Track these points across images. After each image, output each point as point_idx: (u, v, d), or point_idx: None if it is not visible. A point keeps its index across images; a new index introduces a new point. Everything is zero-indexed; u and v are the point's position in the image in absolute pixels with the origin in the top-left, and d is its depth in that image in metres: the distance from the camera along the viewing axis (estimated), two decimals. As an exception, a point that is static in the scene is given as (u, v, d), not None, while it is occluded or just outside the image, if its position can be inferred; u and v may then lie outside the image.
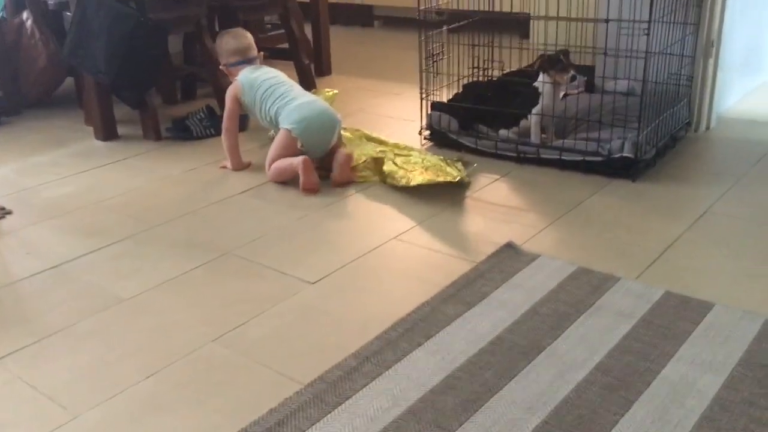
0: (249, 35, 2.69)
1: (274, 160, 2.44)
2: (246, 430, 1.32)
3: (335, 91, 3.01)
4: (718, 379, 1.40)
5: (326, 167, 2.45)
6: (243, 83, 2.57)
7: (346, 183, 2.41)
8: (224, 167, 2.60)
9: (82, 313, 1.72)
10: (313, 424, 1.32)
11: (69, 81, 3.47)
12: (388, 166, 2.41)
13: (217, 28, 3.56)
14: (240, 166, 2.59)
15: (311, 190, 2.34)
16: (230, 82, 2.63)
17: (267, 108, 2.51)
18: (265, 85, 2.54)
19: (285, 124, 2.44)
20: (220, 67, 2.70)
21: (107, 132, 2.97)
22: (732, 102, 3.04)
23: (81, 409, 1.40)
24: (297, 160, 2.36)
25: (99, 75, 2.84)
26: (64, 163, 2.73)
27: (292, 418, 1.34)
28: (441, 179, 2.29)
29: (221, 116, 3.03)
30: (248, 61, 2.63)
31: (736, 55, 2.91)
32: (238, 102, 2.58)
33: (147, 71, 2.89)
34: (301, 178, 2.34)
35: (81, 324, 1.68)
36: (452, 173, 2.35)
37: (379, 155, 2.49)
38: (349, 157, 2.43)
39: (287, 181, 2.42)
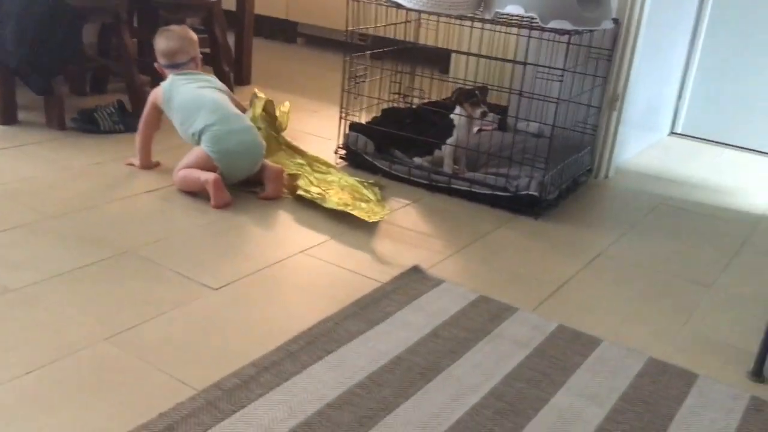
0: (186, 37, 2.51)
1: (184, 168, 2.34)
2: (133, 433, 1.26)
3: (269, 99, 2.73)
4: (602, 411, 1.47)
5: (255, 181, 2.40)
6: (164, 91, 2.44)
7: (278, 198, 2.37)
8: (131, 164, 2.52)
9: (-38, 300, 1.61)
10: (204, 431, 1.28)
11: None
12: (303, 182, 2.40)
13: (135, 24, 3.47)
14: (148, 165, 2.51)
15: (223, 207, 2.26)
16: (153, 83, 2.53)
17: (189, 124, 2.37)
18: (188, 98, 2.39)
19: (207, 148, 2.31)
20: (155, 65, 2.54)
21: (7, 116, 2.81)
22: (630, 155, 3.23)
23: (-49, 401, 1.30)
24: (207, 177, 2.24)
25: (5, 56, 2.69)
26: (-45, 143, 2.56)
27: (182, 424, 1.30)
28: (355, 213, 2.23)
29: (132, 113, 2.95)
30: (175, 66, 2.48)
31: (637, 111, 3.11)
32: (157, 109, 2.46)
33: (57, 57, 2.76)
34: (213, 197, 2.24)
35: (-41, 312, 1.57)
36: (368, 196, 2.37)
37: (295, 171, 2.48)
38: (281, 171, 2.40)
39: (193, 192, 2.33)
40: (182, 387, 1.41)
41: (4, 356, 1.44)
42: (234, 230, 2.12)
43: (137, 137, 2.50)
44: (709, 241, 2.42)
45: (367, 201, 2.36)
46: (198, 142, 2.35)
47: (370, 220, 2.22)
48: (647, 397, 1.53)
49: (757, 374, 1.65)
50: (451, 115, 2.62)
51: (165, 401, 1.35)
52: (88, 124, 2.82)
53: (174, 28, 2.56)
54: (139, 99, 3.02)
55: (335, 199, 2.31)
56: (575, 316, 1.84)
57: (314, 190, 2.36)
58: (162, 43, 2.51)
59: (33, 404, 1.32)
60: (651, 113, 3.37)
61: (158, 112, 2.48)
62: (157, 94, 2.46)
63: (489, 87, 2.72)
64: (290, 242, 2.08)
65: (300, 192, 2.35)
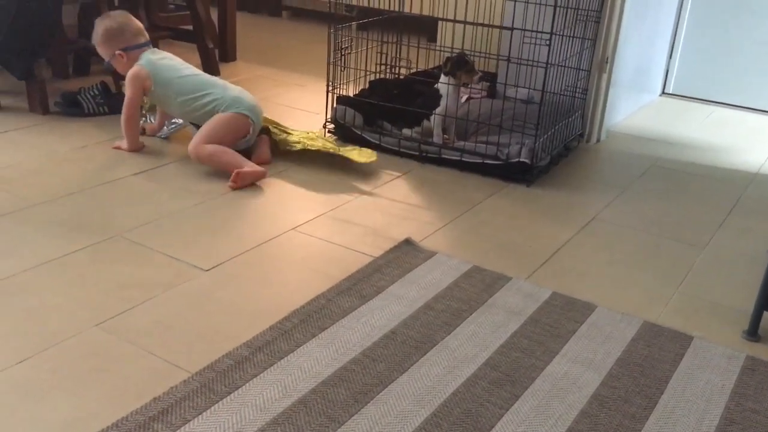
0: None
1: (212, 141, 2.32)
2: (126, 419, 1.26)
3: None
4: (597, 377, 1.47)
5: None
6: (150, 70, 2.41)
7: (268, 161, 2.44)
8: (118, 147, 2.48)
9: (-50, 292, 1.60)
10: (199, 414, 1.28)
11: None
12: (280, 137, 2.52)
13: (116, 3, 3.40)
14: (137, 147, 2.48)
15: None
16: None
17: (199, 98, 2.38)
18: (185, 73, 2.44)
19: (236, 110, 2.38)
20: (117, 52, 2.44)
21: (-12, 102, 2.77)
22: (621, 117, 3.21)
23: (-58, 394, 1.29)
24: (257, 171, 2.27)
25: (-18, 40, 2.65)
26: (-63, 132, 2.52)
27: (177, 407, 1.29)
28: (345, 154, 2.41)
29: (116, 94, 2.91)
30: (143, 45, 2.47)
31: (627, 73, 3.08)
32: (142, 90, 2.43)
33: (37, 40, 2.71)
34: (247, 178, 2.26)
35: (-53, 304, 1.55)
36: (354, 156, 2.45)
37: (279, 136, 2.56)
38: (265, 137, 2.53)
39: (212, 167, 2.33)
40: (176, 370, 1.40)
41: (-5, 346, 1.43)
42: (223, 210, 2.10)
43: (123, 121, 2.46)
44: (702, 201, 2.41)
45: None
46: (212, 112, 2.39)
47: (361, 160, 2.38)
48: (642, 361, 1.53)
49: (752, 334, 1.65)
50: (437, 85, 2.59)
51: (159, 385, 1.35)
52: (72, 107, 2.78)
53: (115, 11, 2.55)
54: (121, 79, 2.98)
55: (320, 143, 2.42)
56: (569, 283, 1.83)
57: (293, 138, 2.50)
58: (127, 23, 2.47)
59: (26, 393, 1.31)
60: (641, 74, 3.34)
61: (143, 93, 2.45)
62: (141, 76, 2.42)
63: (477, 55, 2.68)
64: (281, 220, 2.06)
65: (281, 147, 2.49)
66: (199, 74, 2.50)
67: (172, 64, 2.47)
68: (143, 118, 2.60)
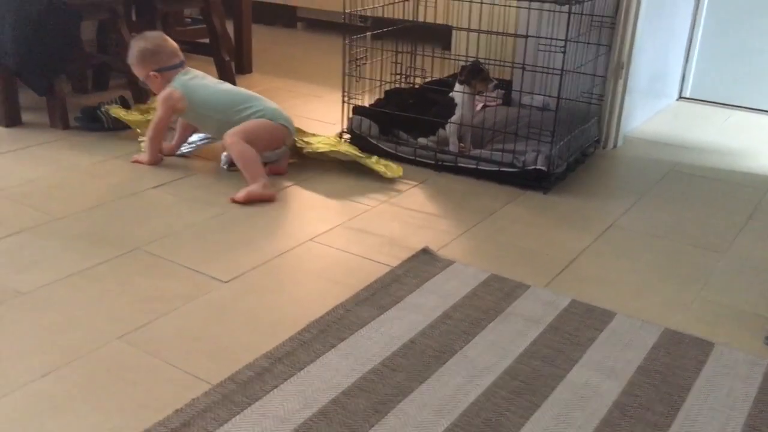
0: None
1: (249, 140, 2.33)
2: (149, 431, 1.27)
3: None
4: (618, 385, 1.46)
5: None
6: (184, 92, 2.43)
7: (283, 173, 2.50)
8: (137, 161, 2.51)
9: (-25, 306, 1.62)
10: (220, 426, 1.29)
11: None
12: (306, 149, 2.57)
13: (134, 18, 3.45)
14: (156, 161, 2.51)
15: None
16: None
17: (238, 112, 2.41)
18: (223, 89, 2.49)
19: (276, 120, 2.44)
20: (151, 74, 2.46)
21: (10, 118, 2.81)
22: (638, 123, 3.19)
23: (-31, 408, 1.31)
24: (266, 195, 2.26)
25: (4, 57, 2.69)
26: (-39, 149, 2.57)
27: (198, 419, 1.30)
28: (372, 165, 2.47)
29: (135, 109, 2.94)
30: (178, 66, 2.50)
31: (643, 78, 3.07)
32: (173, 111, 2.46)
33: (56, 56, 2.76)
34: (259, 197, 2.26)
35: (-27, 318, 1.58)
36: (380, 169, 2.49)
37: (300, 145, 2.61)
38: (288, 152, 2.55)
39: (237, 163, 2.35)
40: (197, 382, 1.41)
41: (19, 360, 1.45)
42: (242, 222, 2.12)
43: (149, 138, 2.48)
44: (722, 206, 2.39)
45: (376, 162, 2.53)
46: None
47: (388, 175, 2.42)
48: (663, 368, 1.52)
49: (774, 340, 1.63)
50: (451, 93, 2.60)
51: (180, 397, 1.36)
52: (92, 122, 2.82)
53: (149, 32, 2.58)
54: (140, 93, 3.02)
55: (344, 148, 2.49)
56: (588, 290, 1.82)
57: (314, 145, 2.56)
58: (162, 44, 2.49)
59: (50, 406, 1.33)
60: (658, 79, 3.32)
61: (172, 114, 2.48)
62: (173, 98, 2.43)
63: (492, 63, 2.69)
64: (298, 230, 2.08)
65: (307, 150, 2.55)
66: (235, 89, 2.54)
67: (205, 83, 2.49)
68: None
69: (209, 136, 2.63)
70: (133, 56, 2.49)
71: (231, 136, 2.34)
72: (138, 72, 2.52)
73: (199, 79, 2.50)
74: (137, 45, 2.49)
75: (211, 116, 2.45)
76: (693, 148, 2.95)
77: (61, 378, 1.40)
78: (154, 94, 2.62)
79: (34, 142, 2.66)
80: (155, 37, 2.53)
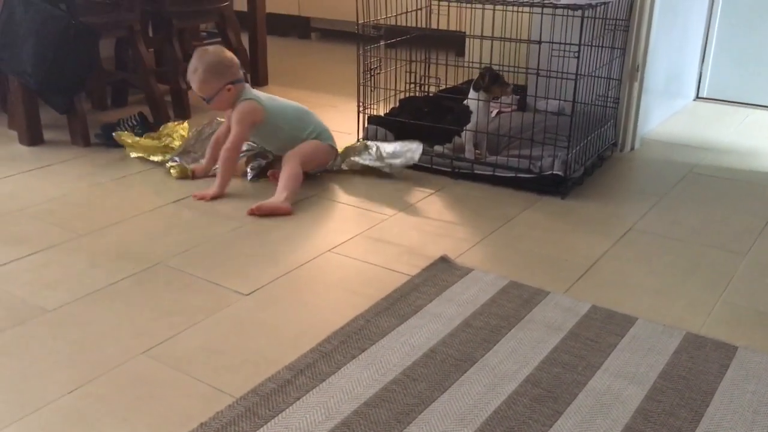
0: None
1: (305, 163, 2.41)
2: (175, 445, 1.29)
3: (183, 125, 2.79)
4: (641, 391, 1.46)
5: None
6: (264, 106, 2.42)
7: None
8: (202, 197, 2.34)
9: (1, 325, 1.65)
10: (245, 438, 1.30)
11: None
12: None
13: (150, 34, 3.49)
14: (223, 193, 2.38)
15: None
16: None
17: (303, 128, 2.48)
18: (290, 104, 2.53)
19: (325, 140, 2.53)
20: (228, 86, 2.37)
21: (32, 137, 2.86)
22: (654, 125, 3.17)
23: (-1, 425, 1.34)
24: (286, 209, 2.26)
25: (25, 77, 2.74)
26: (-15, 168, 2.62)
27: (223, 433, 1.32)
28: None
29: (153, 123, 2.98)
30: (242, 80, 2.47)
31: (659, 80, 3.05)
32: (251, 127, 2.42)
33: (76, 75, 2.80)
34: (272, 210, 2.26)
35: (0, 337, 1.61)
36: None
37: None
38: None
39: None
40: (220, 395, 1.43)
41: (46, 377, 1.48)
42: (260, 234, 2.14)
43: (224, 161, 2.37)
44: (742, 207, 2.37)
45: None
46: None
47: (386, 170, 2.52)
48: (686, 373, 1.51)
49: (798, 342, 1.62)
50: (466, 101, 2.60)
51: (204, 411, 1.38)
52: (112, 139, 2.86)
53: (215, 46, 2.56)
54: (159, 109, 3.06)
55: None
56: (608, 296, 1.82)
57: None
58: (232, 57, 2.44)
59: (77, 422, 1.35)
60: (674, 80, 3.31)
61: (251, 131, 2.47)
62: (257, 110, 2.40)
63: (506, 69, 2.69)
64: (317, 242, 2.09)
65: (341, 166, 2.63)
66: (291, 102, 2.57)
67: (268, 95, 2.52)
68: (175, 161, 2.56)
69: (251, 150, 2.59)
70: (206, 71, 2.36)
71: (293, 159, 2.37)
72: (210, 87, 2.38)
73: (258, 91, 2.52)
74: (210, 58, 2.37)
75: (282, 128, 2.47)
76: (711, 149, 2.93)
77: (87, 394, 1.43)
78: (176, 120, 2.61)
79: (56, 160, 2.71)
80: (222, 49, 2.46)
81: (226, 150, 2.38)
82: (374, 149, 2.57)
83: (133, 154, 2.69)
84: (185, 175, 2.52)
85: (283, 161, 2.41)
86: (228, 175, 2.39)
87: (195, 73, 2.38)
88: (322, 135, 2.53)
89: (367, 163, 2.56)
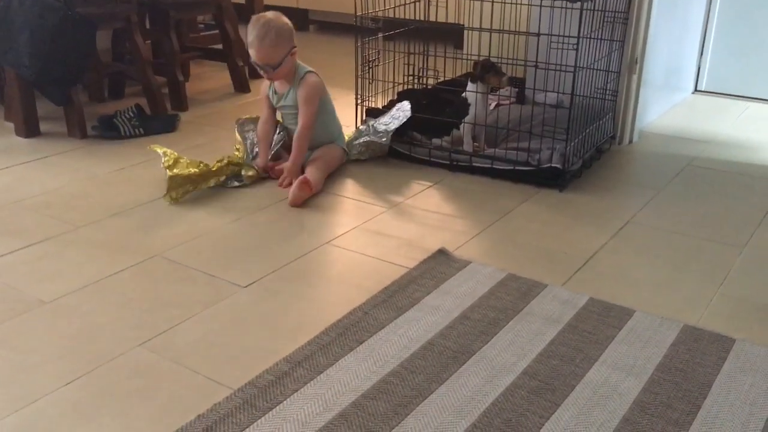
0: None
1: (327, 174, 2.43)
2: (173, 436, 1.29)
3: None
4: (638, 383, 1.46)
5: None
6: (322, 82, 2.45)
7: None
8: (289, 183, 2.33)
9: (-1, 316, 1.65)
10: (242, 430, 1.30)
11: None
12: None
13: (147, 26, 3.48)
14: (298, 171, 2.39)
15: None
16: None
17: (334, 124, 2.53)
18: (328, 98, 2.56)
19: (341, 143, 2.56)
20: (294, 50, 2.36)
21: (29, 128, 2.85)
22: (653, 117, 3.17)
23: (-4, 416, 1.34)
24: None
25: (22, 69, 2.73)
26: (-18, 160, 2.61)
27: (220, 424, 1.32)
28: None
29: (151, 116, 2.97)
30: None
31: (658, 73, 3.05)
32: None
33: (73, 67, 2.79)
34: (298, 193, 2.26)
35: (-2, 328, 1.61)
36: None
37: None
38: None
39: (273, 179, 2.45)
40: (218, 387, 1.43)
41: (43, 368, 1.48)
42: (259, 226, 2.13)
43: (301, 138, 2.38)
44: (740, 200, 2.37)
45: None
46: (332, 141, 2.55)
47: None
48: (684, 365, 1.51)
49: (796, 334, 1.62)
50: (464, 94, 2.60)
51: (202, 402, 1.37)
52: (109, 131, 2.85)
53: (271, 12, 2.39)
54: (156, 101, 3.05)
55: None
56: (606, 288, 1.82)
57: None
58: (288, 21, 2.34)
59: (74, 414, 1.35)
60: (672, 73, 3.30)
61: None
62: (321, 85, 2.42)
63: (504, 61, 2.68)
64: (315, 234, 2.09)
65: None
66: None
67: None
68: (223, 178, 2.37)
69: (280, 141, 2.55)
70: (278, 34, 2.29)
71: (318, 183, 2.34)
72: (281, 51, 2.31)
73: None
74: (278, 23, 2.31)
75: (323, 116, 2.48)
76: (710, 142, 2.93)
77: (84, 385, 1.43)
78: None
79: (52, 152, 2.70)
80: (279, 14, 2.38)
81: (302, 130, 2.40)
82: (368, 126, 2.62)
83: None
84: (258, 177, 2.43)
85: (308, 169, 2.36)
86: (302, 154, 2.43)
87: (265, 38, 2.28)
88: (341, 137, 2.58)
89: (365, 139, 2.60)
